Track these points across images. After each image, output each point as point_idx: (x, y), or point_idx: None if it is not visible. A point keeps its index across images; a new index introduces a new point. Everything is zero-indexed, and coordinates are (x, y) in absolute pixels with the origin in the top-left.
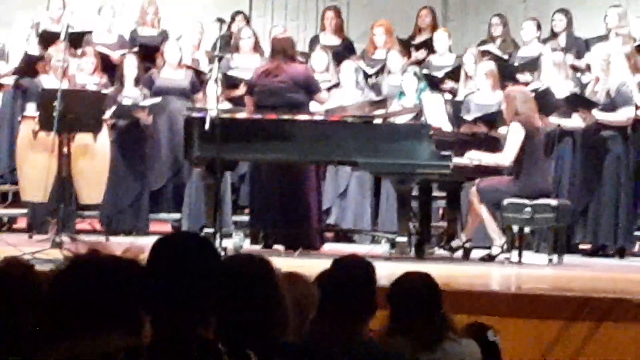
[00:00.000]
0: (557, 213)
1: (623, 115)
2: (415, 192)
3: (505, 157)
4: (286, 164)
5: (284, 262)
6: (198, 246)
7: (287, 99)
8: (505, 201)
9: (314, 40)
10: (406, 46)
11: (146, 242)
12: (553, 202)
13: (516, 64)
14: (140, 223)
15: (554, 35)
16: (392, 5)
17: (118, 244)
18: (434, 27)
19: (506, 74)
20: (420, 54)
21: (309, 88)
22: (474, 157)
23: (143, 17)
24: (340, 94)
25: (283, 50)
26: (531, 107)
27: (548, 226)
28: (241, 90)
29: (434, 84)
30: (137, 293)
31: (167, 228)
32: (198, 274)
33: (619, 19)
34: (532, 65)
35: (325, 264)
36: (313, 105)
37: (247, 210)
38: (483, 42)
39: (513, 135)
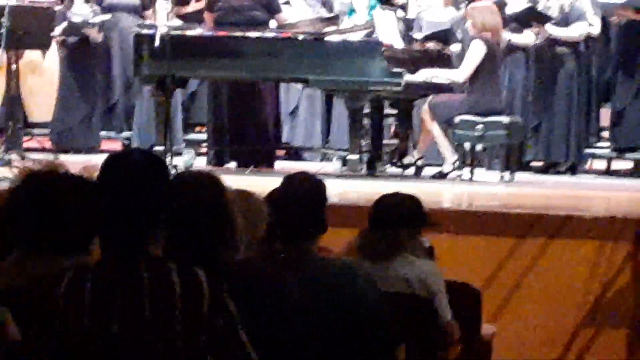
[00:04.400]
0: (509, 130)
1: (576, 31)
2: (367, 110)
3: (460, 74)
4: (239, 81)
5: (234, 180)
6: (148, 163)
7: (248, 17)
8: (457, 118)
9: None
10: None
11: (98, 161)
12: (505, 119)
13: None
14: (90, 141)
15: None
16: None
17: (69, 162)
18: None
19: None
20: None
21: (270, 7)
22: (428, 74)
23: None
24: (291, 11)
25: None
26: (498, 20)
27: (500, 143)
28: (192, 6)
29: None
30: (87, 211)
31: (118, 146)
32: (148, 191)
33: None
34: None
35: (277, 181)
36: (273, 24)
37: (197, 128)
38: None
39: (473, 53)
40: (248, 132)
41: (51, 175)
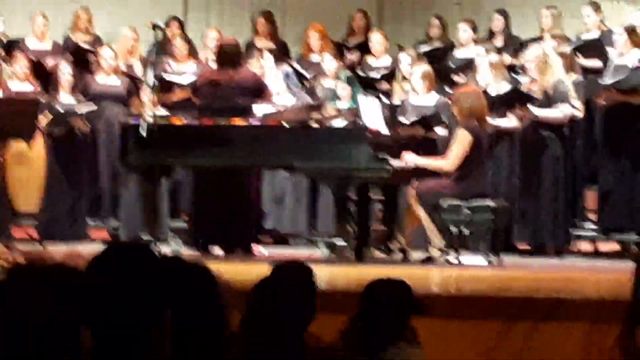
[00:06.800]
0: (496, 214)
1: (560, 112)
2: (352, 194)
3: (448, 165)
4: (223, 169)
5: (221, 267)
6: (139, 256)
7: (233, 103)
8: (444, 202)
9: (249, 46)
10: (340, 49)
11: (84, 249)
12: (491, 203)
13: (452, 65)
14: (77, 230)
15: (492, 34)
16: (327, 9)
17: (56, 252)
18: (367, 30)
19: (441, 76)
20: (354, 55)
21: (258, 92)
22: (416, 162)
23: (76, 23)
24: (276, 98)
25: (230, 59)
26: (484, 104)
27: (487, 227)
28: (177, 95)
29: (370, 85)
30: (76, 304)
31: (105, 235)
32: (139, 285)
33: (552, 20)
34: (468, 67)
35: (263, 268)
36: (256, 108)
37: (183, 215)
38: (421, 43)
39: (460, 144)
40: (232, 219)
41: (32, 270)
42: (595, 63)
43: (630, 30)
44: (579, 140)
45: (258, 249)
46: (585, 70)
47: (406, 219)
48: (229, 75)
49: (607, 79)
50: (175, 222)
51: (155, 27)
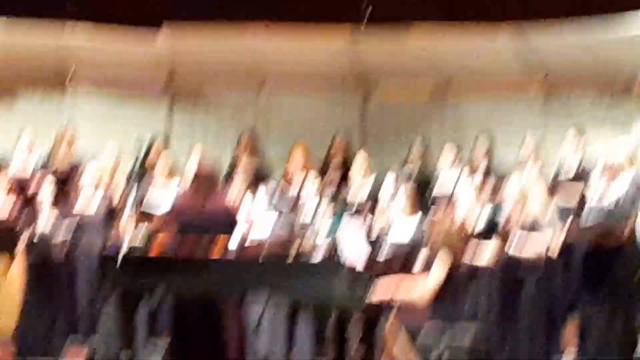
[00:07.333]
0: (475, 339)
1: (537, 246)
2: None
3: (423, 297)
4: (200, 298)
5: None
6: None
7: (207, 231)
8: (422, 331)
9: (233, 164)
10: (323, 168)
11: None
12: (471, 326)
13: (434, 190)
14: (55, 349)
15: (474, 159)
16: (310, 129)
17: None
18: (349, 150)
19: (423, 202)
20: (336, 176)
21: (230, 223)
22: (391, 295)
23: (56, 150)
24: (257, 218)
25: (207, 184)
26: (459, 237)
27: (465, 356)
28: (155, 223)
29: (351, 207)
30: None
31: (83, 355)
32: None
33: (535, 148)
34: (448, 194)
35: None
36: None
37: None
38: (403, 165)
39: (435, 274)
40: (213, 347)
41: None
42: (571, 205)
43: (608, 168)
44: (555, 280)
45: None
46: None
47: (383, 352)
48: (201, 205)
49: (584, 221)
50: (156, 340)
51: (139, 143)
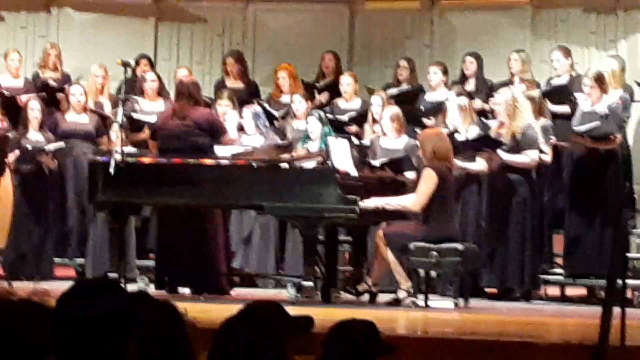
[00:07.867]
0: (464, 257)
1: (528, 157)
2: (321, 236)
3: (414, 204)
4: (192, 207)
5: (190, 306)
6: (107, 292)
7: (190, 142)
8: (412, 245)
9: (219, 85)
10: (310, 89)
11: (50, 287)
12: (459, 246)
13: (422, 108)
14: (43, 268)
15: (464, 77)
16: (298, 50)
17: (21, 290)
18: (337, 71)
19: (411, 118)
20: (324, 97)
21: (213, 132)
22: (381, 202)
23: (45, 60)
24: (244, 138)
25: (188, 93)
26: (448, 146)
27: (454, 270)
28: (146, 133)
29: (339, 127)
30: (45, 339)
31: (71, 273)
32: (106, 320)
33: (522, 64)
34: (438, 110)
35: (232, 308)
36: (219, 149)
37: (151, 255)
38: (389, 86)
39: (425, 183)
40: (201, 260)
41: (3, 304)
42: (564, 109)
43: (598, 78)
44: (546, 185)
45: (233, 291)
46: (554, 115)
47: (374, 261)
48: (184, 110)
49: (576, 125)
50: (144, 261)
51: (125, 64)
